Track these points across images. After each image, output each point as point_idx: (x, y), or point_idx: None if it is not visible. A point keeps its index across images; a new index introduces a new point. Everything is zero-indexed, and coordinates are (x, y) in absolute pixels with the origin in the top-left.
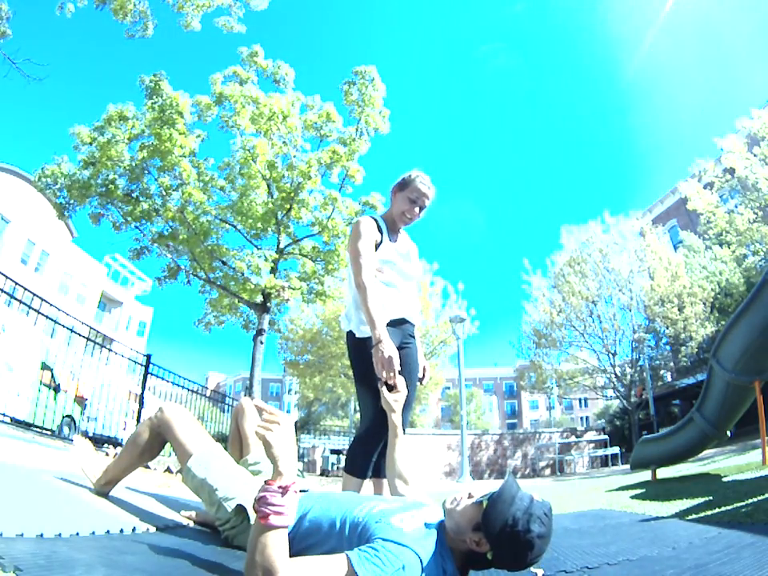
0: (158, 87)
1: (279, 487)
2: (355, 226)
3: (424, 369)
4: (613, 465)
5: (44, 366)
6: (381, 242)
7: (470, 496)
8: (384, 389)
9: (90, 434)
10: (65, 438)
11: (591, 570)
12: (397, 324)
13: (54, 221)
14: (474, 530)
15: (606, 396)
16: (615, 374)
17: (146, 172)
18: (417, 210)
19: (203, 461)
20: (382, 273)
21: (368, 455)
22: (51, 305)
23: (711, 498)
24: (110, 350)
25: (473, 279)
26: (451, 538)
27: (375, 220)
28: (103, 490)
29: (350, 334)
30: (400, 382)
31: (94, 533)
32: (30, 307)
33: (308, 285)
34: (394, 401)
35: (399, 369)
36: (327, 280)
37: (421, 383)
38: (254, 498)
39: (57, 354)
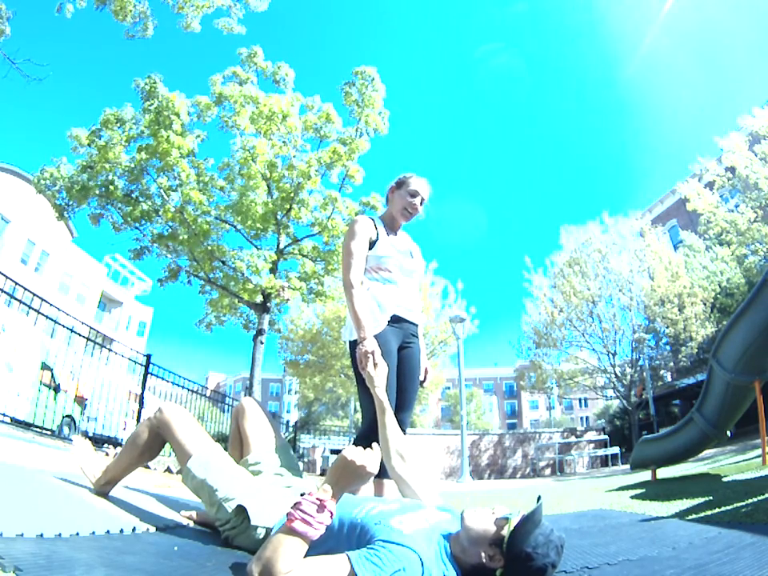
0: (153, 89)
1: (317, 499)
2: (350, 225)
3: (425, 371)
4: (613, 465)
5: (44, 366)
6: (377, 238)
7: (493, 512)
8: (371, 366)
9: (90, 434)
10: (65, 437)
11: (591, 569)
12: (397, 322)
13: (54, 221)
14: (491, 544)
15: (606, 396)
16: (615, 374)
17: (145, 173)
18: (418, 201)
19: (203, 461)
20: (382, 270)
21: None
22: (51, 305)
23: (711, 498)
24: (110, 349)
25: (473, 279)
26: (461, 549)
27: (372, 219)
28: (103, 490)
29: (351, 341)
30: (376, 375)
31: (94, 533)
32: (30, 307)
33: (308, 285)
34: (375, 375)
35: (378, 363)
36: (327, 280)
37: (422, 385)
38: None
39: (57, 354)
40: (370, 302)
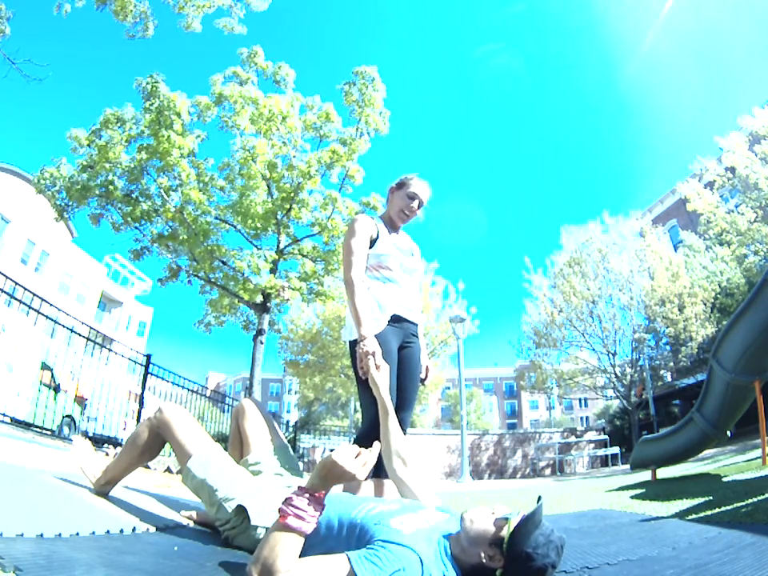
0: (154, 89)
1: (308, 493)
2: (351, 224)
3: (427, 369)
4: (613, 465)
5: (44, 366)
6: (378, 236)
7: (493, 512)
8: (373, 368)
9: (90, 434)
10: (65, 437)
11: (591, 570)
12: (398, 322)
13: (54, 221)
14: (491, 544)
15: (606, 396)
16: (615, 374)
17: (145, 173)
18: (416, 205)
19: (203, 461)
20: (382, 268)
21: None
22: (51, 305)
23: (711, 498)
24: (110, 349)
25: (473, 279)
26: (461, 549)
27: (373, 218)
28: (103, 490)
29: (352, 341)
30: (379, 376)
31: (94, 533)
32: (30, 307)
33: (308, 285)
34: (379, 377)
35: (379, 365)
36: (327, 280)
37: (422, 384)
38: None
39: (57, 354)
40: (370, 302)
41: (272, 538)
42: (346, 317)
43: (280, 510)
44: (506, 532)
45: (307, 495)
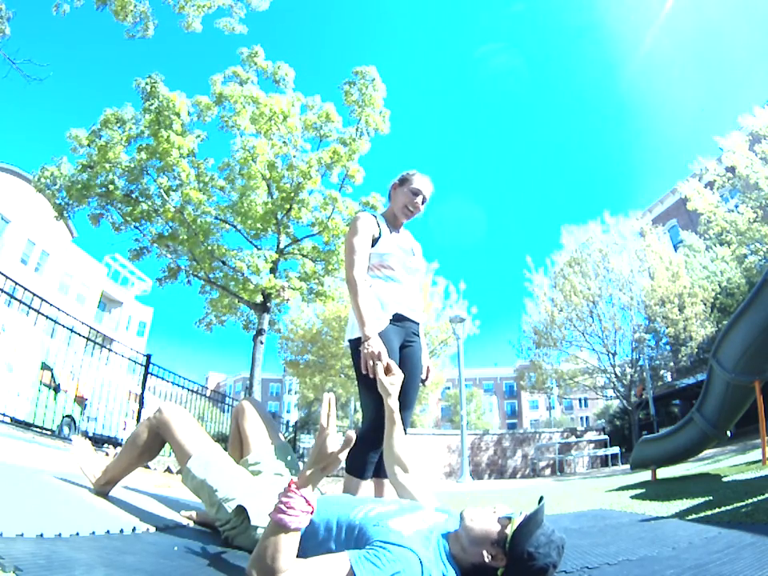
0: (153, 89)
1: (288, 485)
2: (353, 222)
3: (427, 369)
4: (613, 465)
5: (44, 366)
6: (380, 235)
7: (494, 512)
8: (381, 372)
9: (90, 434)
10: (65, 437)
11: (591, 569)
12: (399, 321)
13: (54, 221)
14: (493, 543)
15: (606, 396)
16: (615, 374)
17: (145, 173)
18: (419, 200)
19: (202, 461)
20: (384, 268)
21: (369, 455)
22: (51, 305)
23: (711, 498)
24: (110, 349)
25: (473, 279)
26: (461, 548)
27: (374, 216)
28: (103, 490)
29: (353, 339)
30: (388, 381)
31: (94, 533)
32: (30, 307)
33: (308, 285)
34: (390, 384)
35: (386, 365)
36: (327, 280)
37: (423, 384)
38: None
39: (57, 354)
40: (373, 300)
41: (264, 538)
42: (349, 316)
43: (274, 509)
44: (509, 531)
45: (286, 486)
